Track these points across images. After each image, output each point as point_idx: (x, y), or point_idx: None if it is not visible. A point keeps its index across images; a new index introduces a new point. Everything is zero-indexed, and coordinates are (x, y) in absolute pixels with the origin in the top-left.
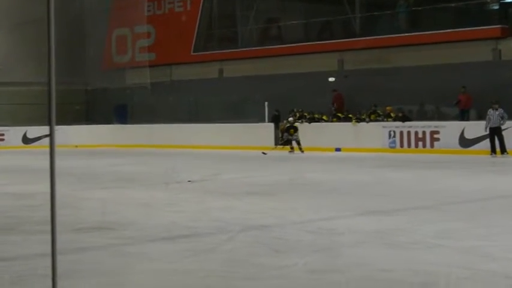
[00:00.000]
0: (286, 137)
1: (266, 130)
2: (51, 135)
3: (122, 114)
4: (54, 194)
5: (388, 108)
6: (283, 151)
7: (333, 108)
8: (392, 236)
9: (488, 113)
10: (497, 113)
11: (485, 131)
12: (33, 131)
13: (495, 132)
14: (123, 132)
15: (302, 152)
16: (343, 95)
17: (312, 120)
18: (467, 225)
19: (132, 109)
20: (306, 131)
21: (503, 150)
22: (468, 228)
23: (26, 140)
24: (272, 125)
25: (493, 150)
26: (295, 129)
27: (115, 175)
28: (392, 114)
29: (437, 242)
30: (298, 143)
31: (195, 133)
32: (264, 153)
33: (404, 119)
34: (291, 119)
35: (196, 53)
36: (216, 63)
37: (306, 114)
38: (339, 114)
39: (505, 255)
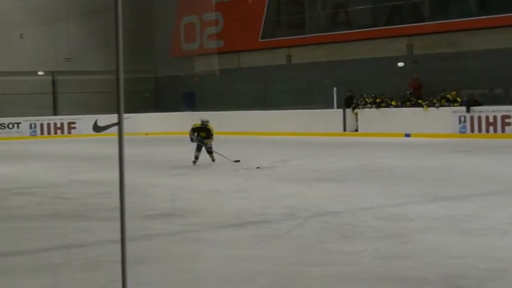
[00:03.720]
0: (196, 140)
1: (335, 116)
2: (119, 125)
3: (190, 101)
4: (123, 186)
5: (453, 93)
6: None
7: (408, 92)
8: (464, 222)
9: None
10: None
11: None
12: (104, 119)
13: None
14: (192, 119)
15: (213, 160)
16: (421, 81)
17: (379, 105)
18: None
19: (200, 96)
20: (374, 116)
21: None
22: None
23: (96, 128)
24: (341, 110)
25: None
26: (208, 134)
27: (184, 162)
28: (458, 99)
29: (509, 228)
30: (210, 152)
31: (264, 120)
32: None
33: (472, 104)
34: (205, 117)
35: (264, 40)
36: (284, 49)
37: (378, 100)
38: (411, 99)
39: None
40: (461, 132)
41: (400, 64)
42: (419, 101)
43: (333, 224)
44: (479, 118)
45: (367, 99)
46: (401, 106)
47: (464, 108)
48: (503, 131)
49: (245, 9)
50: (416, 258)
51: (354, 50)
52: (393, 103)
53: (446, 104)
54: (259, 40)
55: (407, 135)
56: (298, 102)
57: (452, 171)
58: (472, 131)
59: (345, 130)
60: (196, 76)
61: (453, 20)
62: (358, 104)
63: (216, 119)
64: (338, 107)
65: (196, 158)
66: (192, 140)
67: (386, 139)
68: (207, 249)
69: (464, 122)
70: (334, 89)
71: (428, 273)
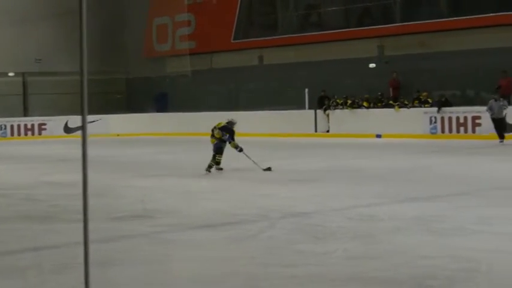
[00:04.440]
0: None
1: (306, 117)
2: (83, 128)
3: (162, 102)
4: (86, 189)
5: (424, 94)
6: None
7: (379, 94)
8: (433, 222)
9: (491, 103)
10: (501, 103)
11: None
12: (75, 121)
13: (499, 122)
14: (164, 120)
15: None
16: (399, 80)
17: (352, 105)
18: (509, 211)
19: (172, 97)
20: (345, 117)
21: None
22: (510, 214)
23: (67, 130)
24: (312, 111)
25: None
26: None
27: (156, 163)
28: (429, 100)
29: (478, 229)
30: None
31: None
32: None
33: (443, 104)
34: (235, 120)
35: (236, 41)
36: (256, 50)
37: (349, 101)
38: (382, 100)
39: None
40: (432, 133)
41: (372, 65)
42: (391, 102)
43: (304, 225)
44: (450, 119)
45: (338, 100)
46: (373, 107)
47: (435, 109)
48: (473, 131)
49: (217, 10)
50: (386, 258)
51: (326, 51)
52: (365, 104)
53: (418, 104)
54: (232, 41)
55: (379, 136)
56: (270, 103)
57: (423, 172)
58: (443, 131)
59: (316, 131)
60: (168, 77)
61: (424, 21)
62: (330, 105)
63: (188, 121)
64: (309, 108)
65: (219, 163)
66: (227, 138)
67: (358, 140)
68: (179, 250)
69: (435, 122)
70: (306, 90)
71: (398, 273)
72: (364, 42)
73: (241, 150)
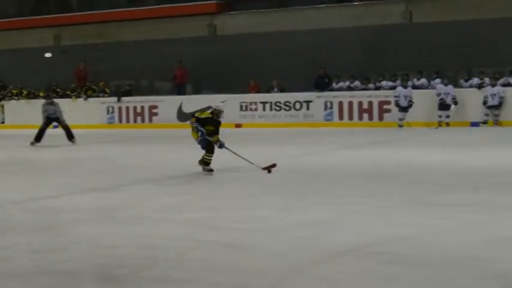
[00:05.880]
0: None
1: None
2: None
3: None
4: None
5: (101, 83)
6: None
7: (54, 84)
8: (116, 211)
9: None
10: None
11: None
12: None
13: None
14: None
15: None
16: (88, 70)
17: (28, 96)
18: (190, 199)
19: None
20: (21, 108)
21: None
22: (191, 201)
23: None
24: None
25: None
26: (217, 129)
27: None
28: (107, 90)
29: (161, 216)
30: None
31: None
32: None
33: (123, 94)
34: (221, 106)
35: None
36: None
37: (24, 91)
38: (57, 90)
39: (226, 225)
40: (110, 123)
41: (48, 55)
42: (68, 92)
43: None
44: (128, 109)
45: (13, 91)
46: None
47: (114, 98)
48: (150, 121)
49: None
50: (71, 250)
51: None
52: (41, 94)
53: (94, 94)
54: None
55: (56, 126)
56: None
57: (102, 162)
58: (121, 121)
59: None
60: None
61: (101, 11)
62: (5, 96)
63: None
64: None
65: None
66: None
67: (35, 131)
68: None
69: (113, 112)
70: None
71: (84, 264)
72: (40, 32)
73: (221, 146)
